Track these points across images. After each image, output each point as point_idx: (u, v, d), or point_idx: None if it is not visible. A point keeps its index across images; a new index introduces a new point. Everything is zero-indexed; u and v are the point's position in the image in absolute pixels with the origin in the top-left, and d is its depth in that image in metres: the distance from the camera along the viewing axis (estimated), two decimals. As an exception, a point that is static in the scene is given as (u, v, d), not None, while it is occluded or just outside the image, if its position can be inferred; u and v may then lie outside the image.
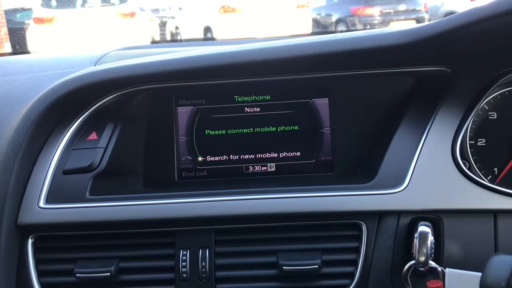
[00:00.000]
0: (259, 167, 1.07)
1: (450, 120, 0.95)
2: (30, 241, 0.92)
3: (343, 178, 1.02)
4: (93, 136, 0.98)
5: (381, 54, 0.92)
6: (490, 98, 0.98)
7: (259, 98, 1.07)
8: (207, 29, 8.69)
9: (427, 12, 8.84)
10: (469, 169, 0.92)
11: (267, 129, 1.07)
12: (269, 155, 1.07)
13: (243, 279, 0.90)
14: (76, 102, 0.98)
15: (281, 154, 1.07)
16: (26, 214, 0.91)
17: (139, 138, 1.04)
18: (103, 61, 1.25)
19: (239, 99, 1.07)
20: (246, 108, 1.07)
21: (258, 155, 1.07)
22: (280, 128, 1.06)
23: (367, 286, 0.88)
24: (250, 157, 1.07)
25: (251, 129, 1.07)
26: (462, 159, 0.92)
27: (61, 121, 0.98)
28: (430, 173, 0.90)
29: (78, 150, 0.97)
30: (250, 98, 1.07)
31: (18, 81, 1.17)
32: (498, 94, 0.98)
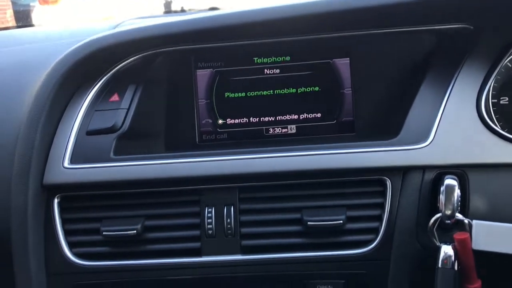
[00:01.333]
0: (279, 129, 1.07)
1: (473, 77, 0.94)
2: (56, 201, 0.93)
3: (366, 138, 1.01)
4: (115, 97, 0.98)
5: (405, 10, 0.91)
6: None
7: (279, 59, 1.06)
8: (213, 10, 8.62)
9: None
10: None
11: (287, 91, 1.06)
12: (289, 117, 1.06)
13: (268, 235, 0.91)
14: (97, 64, 0.98)
15: (302, 116, 1.06)
16: (52, 174, 0.91)
17: (160, 100, 1.04)
18: (120, 28, 1.25)
19: (258, 60, 1.06)
20: (265, 70, 1.06)
21: (278, 117, 1.07)
22: (300, 90, 1.06)
23: (392, 241, 0.89)
24: (270, 119, 1.06)
25: (271, 91, 1.06)
26: (487, 116, 0.91)
27: (83, 83, 0.98)
28: (455, 128, 0.89)
29: (101, 111, 0.97)
30: (270, 60, 1.06)
31: (36, 49, 1.17)
32: None
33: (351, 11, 0.92)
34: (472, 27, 0.95)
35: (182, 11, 2.14)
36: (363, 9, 0.92)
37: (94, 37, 0.97)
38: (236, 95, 1.06)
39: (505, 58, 0.95)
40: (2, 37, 1.43)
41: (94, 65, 0.98)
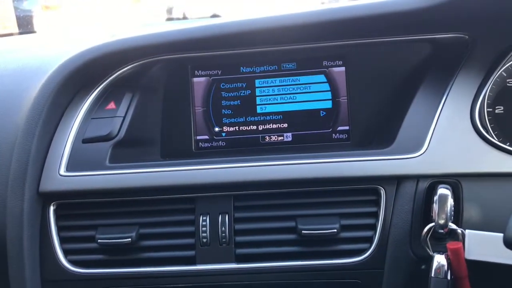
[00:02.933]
0: (275, 137, 1.07)
1: (468, 87, 0.95)
2: (51, 208, 0.93)
3: (361, 146, 1.02)
4: (112, 105, 0.99)
5: (399, 20, 0.92)
6: (508, 65, 0.97)
7: (275, 68, 1.06)
8: (215, 17, 8.64)
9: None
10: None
11: (283, 99, 1.06)
12: (285, 125, 1.07)
13: (263, 243, 0.91)
14: (94, 72, 0.99)
15: (298, 124, 1.06)
16: (47, 181, 0.92)
17: (156, 108, 1.05)
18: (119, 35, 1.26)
19: (254, 69, 1.07)
20: (262, 78, 1.07)
21: (275, 125, 1.07)
22: (296, 98, 1.06)
23: (385, 250, 0.89)
24: (266, 127, 1.07)
25: (267, 99, 1.06)
26: (480, 125, 0.92)
27: (79, 91, 0.99)
28: (449, 137, 0.90)
29: (97, 119, 0.97)
30: (266, 68, 1.07)
31: (36, 56, 1.18)
32: None
33: (347, 21, 0.93)
34: (467, 37, 0.96)
35: (184, 18, 2.15)
36: (359, 19, 0.93)
37: (92, 45, 0.98)
38: (233, 103, 1.07)
39: (500, 67, 0.95)
40: (4, 43, 1.44)
41: (91, 73, 0.98)
